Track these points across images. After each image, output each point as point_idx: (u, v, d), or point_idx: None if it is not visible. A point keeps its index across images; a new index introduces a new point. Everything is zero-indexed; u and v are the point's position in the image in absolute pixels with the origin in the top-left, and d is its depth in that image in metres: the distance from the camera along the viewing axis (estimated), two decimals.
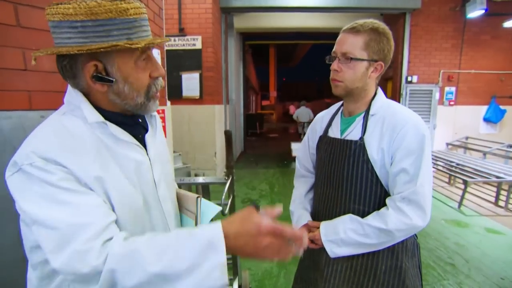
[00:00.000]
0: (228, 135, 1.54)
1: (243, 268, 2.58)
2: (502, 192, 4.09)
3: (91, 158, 0.63)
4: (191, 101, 4.91)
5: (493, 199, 4.18)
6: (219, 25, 5.45)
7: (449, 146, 6.27)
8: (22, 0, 1.05)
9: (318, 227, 1.06)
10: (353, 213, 1.02)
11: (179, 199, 0.92)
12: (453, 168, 4.85)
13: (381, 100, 1.05)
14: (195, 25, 4.76)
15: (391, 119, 0.98)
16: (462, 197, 4.05)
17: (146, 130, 0.79)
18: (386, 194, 1.01)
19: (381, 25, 0.99)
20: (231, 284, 2.18)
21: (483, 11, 5.18)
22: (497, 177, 4.04)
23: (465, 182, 4.03)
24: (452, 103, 6.12)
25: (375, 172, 0.99)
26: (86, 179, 0.60)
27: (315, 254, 1.14)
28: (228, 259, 2.12)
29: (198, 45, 4.77)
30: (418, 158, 0.94)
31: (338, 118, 1.13)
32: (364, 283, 1.03)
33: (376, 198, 1.01)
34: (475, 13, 5.26)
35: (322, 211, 1.13)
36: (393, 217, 0.93)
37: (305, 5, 5.52)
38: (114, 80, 0.64)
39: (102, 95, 0.67)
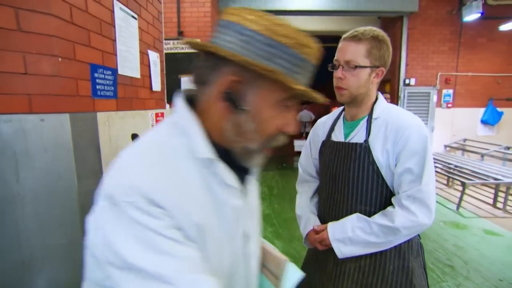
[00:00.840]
0: None
1: None
2: (500, 194, 4.11)
3: (194, 202, 0.52)
4: None
5: (491, 201, 4.20)
6: None
7: (447, 148, 6.29)
8: (23, 4, 1.06)
9: (325, 229, 1.08)
10: (360, 213, 1.05)
11: (262, 255, 0.77)
12: (451, 170, 4.87)
13: (382, 104, 1.09)
14: (194, 29, 4.79)
15: (394, 122, 1.02)
16: (461, 199, 4.07)
17: (246, 172, 0.65)
18: (391, 194, 1.04)
19: (381, 32, 1.03)
20: None
21: (479, 15, 5.23)
22: (495, 179, 4.05)
23: (463, 184, 4.05)
24: (449, 105, 6.16)
25: (381, 173, 1.02)
26: (188, 228, 0.50)
27: (321, 257, 1.15)
28: None
29: None
30: (421, 158, 0.97)
31: (340, 122, 1.16)
32: (372, 283, 1.04)
33: (382, 198, 1.04)
34: (471, 16, 5.31)
35: (328, 214, 1.14)
36: (399, 215, 0.96)
37: (303, 8, 5.56)
38: (244, 108, 0.53)
39: (217, 120, 0.55)
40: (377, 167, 1.01)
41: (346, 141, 1.09)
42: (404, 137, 0.98)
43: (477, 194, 4.58)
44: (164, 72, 2.56)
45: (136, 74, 1.97)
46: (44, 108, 1.14)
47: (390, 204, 1.02)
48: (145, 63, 2.13)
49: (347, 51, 1.01)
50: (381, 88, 6.90)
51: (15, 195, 1.16)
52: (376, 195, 1.03)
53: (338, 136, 1.13)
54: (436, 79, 6.06)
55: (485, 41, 5.92)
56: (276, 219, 3.70)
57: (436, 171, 5.20)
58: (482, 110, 6.16)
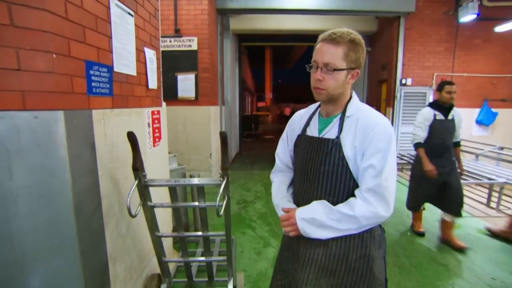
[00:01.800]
0: (223, 136, 1.54)
1: (238, 269, 2.58)
2: (494, 193, 4.15)
3: None
4: (186, 102, 4.90)
5: (485, 201, 4.23)
6: (215, 27, 5.45)
7: None
8: None
9: (292, 210, 1.18)
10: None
11: None
12: None
13: (356, 103, 1.16)
14: (191, 26, 4.76)
15: (363, 120, 1.09)
16: None
17: None
18: (356, 186, 1.12)
19: (357, 35, 1.08)
20: (225, 285, 2.18)
21: (475, 16, 5.27)
22: (489, 178, 4.09)
23: None
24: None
25: (349, 167, 1.10)
26: None
27: (294, 245, 1.25)
28: (222, 261, 2.12)
29: (194, 46, 4.77)
30: (384, 156, 1.05)
31: (316, 118, 1.24)
32: (337, 269, 1.14)
33: (349, 190, 1.12)
34: (467, 17, 5.34)
35: (300, 203, 1.22)
36: (359, 205, 1.05)
37: (300, 7, 5.55)
38: None
39: None
40: (346, 161, 1.10)
41: (320, 136, 1.17)
42: (371, 135, 1.06)
43: (471, 194, 4.61)
44: (161, 69, 2.54)
45: (132, 71, 1.96)
46: (38, 105, 1.13)
47: (354, 194, 1.11)
48: (141, 61, 2.12)
49: (326, 54, 1.06)
50: (378, 88, 6.94)
51: (7, 193, 1.14)
52: (344, 187, 1.12)
53: (313, 131, 1.21)
54: (432, 79, 6.10)
55: (481, 42, 5.97)
56: (272, 218, 3.70)
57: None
58: (477, 111, 6.21)
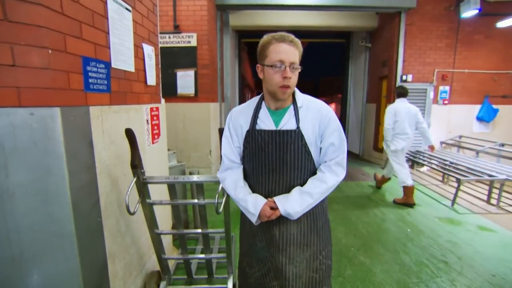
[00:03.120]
0: (221, 133, 1.52)
1: (237, 266, 2.58)
2: (494, 190, 4.14)
3: None
4: (186, 99, 4.87)
5: (485, 197, 4.23)
6: (215, 23, 5.41)
7: (443, 145, 6.32)
8: None
9: (275, 205, 1.26)
10: (294, 187, 1.28)
11: None
12: (447, 167, 4.89)
13: (300, 94, 1.33)
14: (190, 22, 4.72)
15: (316, 108, 1.29)
16: (455, 195, 4.09)
17: None
18: (314, 167, 1.31)
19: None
20: (225, 282, 2.18)
21: (477, 11, 5.21)
22: (490, 175, 4.08)
23: (458, 181, 4.07)
24: (446, 102, 6.18)
25: (310, 152, 1.27)
26: None
27: (267, 233, 1.34)
28: (222, 258, 2.12)
29: (193, 43, 4.74)
30: (339, 134, 1.29)
31: (265, 112, 1.30)
32: (310, 239, 1.33)
33: (310, 172, 1.31)
34: (469, 12, 5.30)
35: (268, 193, 1.30)
36: (329, 178, 1.26)
37: (300, 3, 5.50)
38: None
39: None
40: (308, 148, 1.26)
41: (278, 128, 1.26)
42: (326, 119, 1.27)
43: (472, 191, 4.61)
44: (160, 66, 2.52)
45: (130, 67, 1.94)
46: (34, 102, 1.11)
47: (313, 174, 1.30)
48: (139, 57, 2.09)
49: (291, 54, 1.17)
50: (378, 85, 6.90)
51: (4, 190, 1.13)
52: (307, 171, 1.29)
53: (267, 124, 1.28)
54: (433, 75, 6.06)
55: (482, 38, 5.92)
56: None
57: (431, 168, 5.25)
58: (478, 107, 6.18)
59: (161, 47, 4.71)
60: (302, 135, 1.24)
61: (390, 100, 6.25)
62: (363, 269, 2.55)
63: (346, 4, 5.57)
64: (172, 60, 4.76)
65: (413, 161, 5.99)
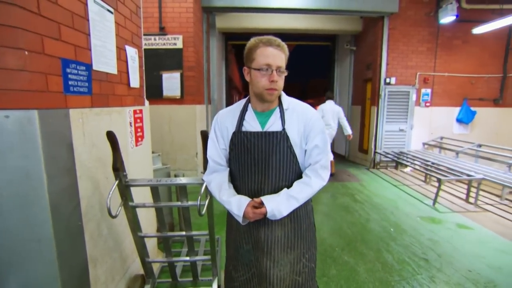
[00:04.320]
0: (204, 135, 1.53)
1: (222, 268, 2.58)
2: (472, 189, 4.29)
3: None
4: (171, 101, 4.84)
5: (464, 196, 4.38)
6: (201, 25, 5.41)
7: (426, 146, 6.51)
8: None
9: (261, 204, 1.25)
10: (281, 189, 1.29)
11: None
12: (429, 167, 5.04)
13: (286, 97, 1.35)
14: (175, 24, 4.70)
15: (301, 111, 1.31)
16: (437, 194, 4.22)
17: None
18: (299, 169, 1.33)
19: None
20: (210, 284, 2.18)
21: (454, 17, 5.42)
22: (468, 175, 4.23)
23: (439, 180, 4.20)
24: (428, 104, 6.37)
25: (295, 154, 1.29)
26: None
27: (253, 237, 1.35)
28: (207, 260, 2.12)
29: (179, 45, 4.72)
30: (323, 136, 1.31)
31: (251, 114, 1.31)
32: (294, 242, 1.35)
33: (295, 173, 1.32)
34: (447, 18, 5.49)
35: (254, 194, 1.31)
36: (315, 182, 1.28)
37: (286, 6, 5.57)
38: None
39: None
40: (293, 149, 1.28)
41: (264, 130, 1.27)
42: (311, 122, 1.29)
43: (452, 190, 4.77)
44: (143, 68, 2.50)
45: (113, 70, 1.92)
46: (9, 104, 1.09)
47: (299, 177, 1.32)
48: (122, 59, 2.08)
49: (278, 58, 1.19)
50: (363, 87, 7.05)
51: None
52: (292, 172, 1.31)
53: (254, 126, 1.29)
54: (415, 78, 6.24)
55: (460, 43, 6.15)
56: None
57: (415, 168, 5.39)
58: (457, 109, 6.40)
59: (146, 49, 4.68)
60: (287, 137, 1.26)
61: (374, 103, 6.41)
62: (347, 268, 2.59)
63: (331, 8, 5.67)
64: (157, 62, 4.73)
65: (397, 162, 6.15)
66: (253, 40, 1.23)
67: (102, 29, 1.74)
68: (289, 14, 6.45)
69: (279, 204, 1.23)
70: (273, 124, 1.27)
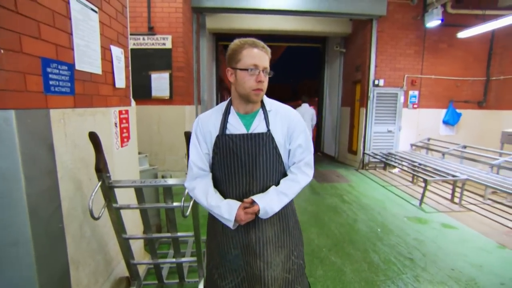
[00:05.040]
0: (188, 136, 1.52)
1: (205, 279, 2.56)
2: (457, 189, 4.39)
3: None
4: (160, 101, 4.80)
5: (450, 196, 4.47)
6: (191, 25, 5.39)
7: (413, 147, 6.62)
8: None
9: (253, 203, 1.27)
10: (267, 189, 1.30)
11: None
12: (416, 168, 5.13)
13: (268, 99, 1.37)
14: (165, 24, 4.67)
15: (284, 112, 1.35)
16: (423, 195, 4.29)
17: None
18: (284, 169, 1.36)
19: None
20: (196, 286, 2.17)
21: (439, 21, 5.54)
22: (453, 175, 4.33)
23: (425, 181, 4.28)
24: (415, 106, 6.48)
25: (280, 154, 1.31)
26: None
27: (242, 241, 1.34)
28: (193, 261, 2.10)
29: (168, 45, 4.69)
30: (305, 135, 1.34)
31: (234, 117, 1.31)
32: (283, 240, 1.37)
33: (280, 174, 1.35)
34: (432, 22, 5.61)
35: (242, 196, 1.31)
36: (302, 178, 1.32)
37: (276, 8, 5.60)
38: None
39: None
40: (278, 150, 1.30)
41: (250, 132, 1.28)
42: (294, 122, 1.33)
43: (438, 190, 4.86)
44: (130, 68, 2.47)
45: (97, 70, 1.90)
46: None
47: (284, 177, 1.35)
48: (107, 59, 2.06)
49: (264, 59, 1.22)
50: (352, 89, 7.13)
51: None
52: (278, 173, 1.33)
53: (238, 128, 1.29)
54: (403, 80, 6.35)
55: (446, 46, 6.28)
56: None
57: (402, 169, 5.47)
58: (444, 111, 6.53)
59: (135, 49, 4.64)
60: (272, 138, 1.28)
61: (363, 104, 6.49)
62: (334, 268, 2.62)
63: (320, 10, 5.72)
64: (146, 62, 4.69)
65: (386, 163, 6.23)
66: (237, 41, 1.23)
67: (86, 28, 1.72)
68: (279, 16, 6.48)
69: (270, 201, 1.25)
70: (258, 126, 1.29)
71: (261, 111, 1.31)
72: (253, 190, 1.30)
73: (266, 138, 1.27)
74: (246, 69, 1.19)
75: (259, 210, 1.24)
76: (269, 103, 1.35)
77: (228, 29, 6.84)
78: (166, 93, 4.77)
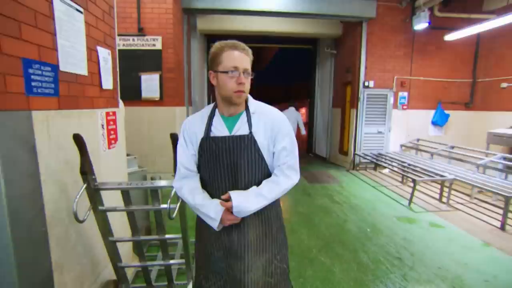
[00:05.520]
0: (173, 138, 1.52)
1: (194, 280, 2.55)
2: (445, 189, 4.46)
3: None
4: (151, 102, 4.77)
5: (438, 196, 4.54)
6: (181, 26, 5.37)
7: (403, 148, 6.71)
8: None
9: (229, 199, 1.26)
10: None
11: None
12: (405, 168, 5.20)
13: (253, 101, 1.36)
14: (155, 25, 4.65)
15: (268, 114, 1.33)
16: (412, 195, 4.36)
17: None
18: (268, 171, 1.34)
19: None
20: None
21: (426, 24, 5.64)
22: (441, 175, 4.40)
23: (414, 181, 4.34)
24: (405, 107, 6.57)
25: (263, 156, 1.30)
26: None
27: (224, 243, 1.35)
28: (181, 264, 2.09)
29: (158, 46, 4.66)
30: (291, 138, 1.33)
31: (218, 119, 1.32)
32: (265, 244, 1.37)
33: (264, 176, 1.33)
34: (420, 25, 5.71)
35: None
36: (283, 181, 1.31)
37: (266, 9, 5.62)
38: None
39: None
40: (261, 152, 1.29)
41: (232, 134, 1.28)
42: (278, 124, 1.31)
43: (427, 190, 4.93)
44: (118, 69, 2.45)
45: (83, 71, 1.88)
46: None
47: (266, 177, 1.33)
48: (93, 60, 2.03)
49: (244, 61, 1.22)
50: (343, 90, 7.20)
51: None
52: (261, 174, 1.32)
53: (221, 131, 1.29)
54: (393, 82, 6.44)
55: (434, 48, 6.40)
56: None
57: (392, 170, 5.54)
58: (432, 112, 6.64)
59: (124, 50, 4.60)
60: (254, 140, 1.27)
61: (354, 105, 6.55)
62: (323, 269, 2.63)
63: (311, 12, 5.77)
64: (136, 63, 4.65)
65: (376, 164, 6.30)
66: (218, 44, 1.23)
67: (70, 29, 1.70)
68: (271, 17, 6.51)
69: (246, 201, 1.23)
70: (240, 128, 1.28)
71: (244, 114, 1.31)
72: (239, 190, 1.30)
73: (248, 141, 1.26)
74: (226, 72, 1.20)
75: (232, 207, 1.23)
76: (254, 105, 1.34)
77: (220, 30, 6.84)
78: (156, 95, 4.74)
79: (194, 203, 1.29)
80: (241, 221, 1.30)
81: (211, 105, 1.37)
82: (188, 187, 1.33)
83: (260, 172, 1.31)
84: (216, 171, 1.30)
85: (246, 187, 1.29)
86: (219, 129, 1.29)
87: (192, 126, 1.34)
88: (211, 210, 1.24)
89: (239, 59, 1.20)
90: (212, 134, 1.29)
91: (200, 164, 1.35)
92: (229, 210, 1.24)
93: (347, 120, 6.99)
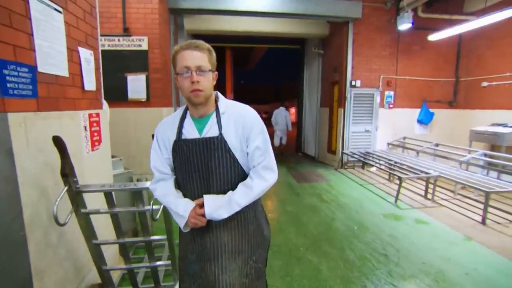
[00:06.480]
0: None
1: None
2: (430, 186, 4.56)
3: None
4: (137, 103, 4.71)
5: (423, 193, 4.64)
6: (168, 26, 5.32)
7: (390, 146, 6.82)
8: None
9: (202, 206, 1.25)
10: (225, 193, 1.27)
11: None
12: (392, 166, 5.29)
13: (223, 100, 1.33)
14: (140, 25, 4.59)
15: (240, 113, 1.29)
16: (398, 192, 4.44)
17: None
18: (243, 171, 1.31)
19: (209, 45, 1.26)
20: None
21: (410, 25, 5.76)
22: (426, 173, 4.50)
23: (400, 179, 4.42)
24: (391, 106, 6.69)
25: (235, 157, 1.27)
26: None
27: (197, 246, 1.33)
28: (167, 265, 2.08)
29: (144, 46, 4.61)
30: (263, 137, 1.30)
31: (189, 121, 1.30)
32: (242, 245, 1.33)
33: (238, 176, 1.30)
34: (404, 26, 5.83)
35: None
36: (258, 183, 1.27)
37: (253, 9, 5.63)
38: None
39: None
40: (232, 153, 1.25)
41: (202, 136, 1.26)
42: (250, 124, 1.27)
43: (413, 187, 5.03)
44: (101, 70, 2.42)
45: (63, 72, 1.84)
46: None
47: (244, 178, 1.30)
48: (75, 61, 2.00)
49: (196, 58, 1.18)
50: (331, 89, 7.27)
51: None
52: (235, 176, 1.29)
53: (192, 133, 1.27)
54: (379, 81, 6.54)
55: (419, 48, 6.54)
56: None
57: (380, 168, 5.62)
58: (418, 111, 6.78)
59: (109, 50, 4.54)
60: (225, 141, 1.24)
61: (341, 104, 6.63)
62: (310, 267, 2.65)
63: (297, 12, 5.81)
64: (122, 63, 4.59)
65: (364, 162, 6.39)
66: (174, 47, 1.22)
67: (49, 29, 1.67)
68: (258, 18, 6.52)
69: (219, 208, 1.23)
70: (210, 130, 1.26)
71: (214, 114, 1.28)
72: (212, 193, 1.29)
73: (218, 142, 1.24)
74: (180, 73, 1.19)
75: (205, 214, 1.23)
76: (224, 104, 1.31)
77: (207, 31, 6.81)
78: (143, 95, 4.69)
79: (166, 202, 1.30)
80: (214, 224, 1.29)
81: (183, 106, 1.35)
82: (161, 188, 1.33)
83: (233, 174, 1.28)
84: (188, 174, 1.29)
85: (219, 190, 1.27)
86: (190, 131, 1.28)
87: (164, 130, 1.33)
88: (180, 208, 1.25)
89: (190, 58, 1.17)
90: (183, 137, 1.27)
91: (175, 167, 1.34)
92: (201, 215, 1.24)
93: (335, 119, 7.06)
